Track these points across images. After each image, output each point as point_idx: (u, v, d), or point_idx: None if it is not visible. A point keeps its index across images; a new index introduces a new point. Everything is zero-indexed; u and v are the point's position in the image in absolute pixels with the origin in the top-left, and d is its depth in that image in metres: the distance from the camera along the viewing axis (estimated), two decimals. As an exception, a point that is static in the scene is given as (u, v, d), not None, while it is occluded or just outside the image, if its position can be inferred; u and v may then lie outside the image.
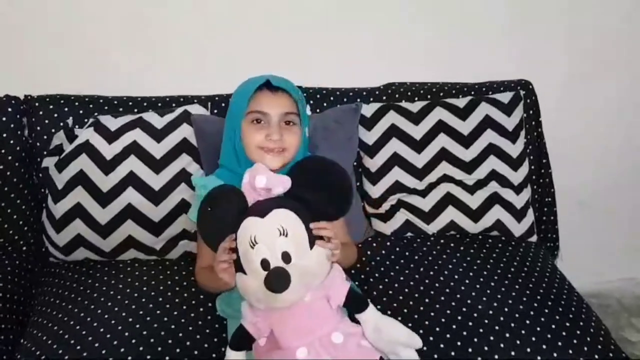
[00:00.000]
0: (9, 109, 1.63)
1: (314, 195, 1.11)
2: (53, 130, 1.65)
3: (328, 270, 1.13)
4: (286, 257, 1.05)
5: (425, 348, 1.31)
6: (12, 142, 1.62)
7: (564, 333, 1.36)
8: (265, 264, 1.05)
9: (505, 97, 1.77)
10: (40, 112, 1.65)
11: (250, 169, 1.12)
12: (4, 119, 1.61)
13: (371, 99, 1.78)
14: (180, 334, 1.31)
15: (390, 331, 1.13)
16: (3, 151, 1.61)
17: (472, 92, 1.82)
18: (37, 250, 1.65)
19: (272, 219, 1.06)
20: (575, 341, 1.35)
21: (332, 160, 1.13)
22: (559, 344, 1.34)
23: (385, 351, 1.13)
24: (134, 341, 1.29)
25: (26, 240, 1.64)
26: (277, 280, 1.03)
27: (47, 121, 1.65)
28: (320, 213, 1.12)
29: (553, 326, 1.37)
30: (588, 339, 1.36)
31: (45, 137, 1.65)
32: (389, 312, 1.39)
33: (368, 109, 1.73)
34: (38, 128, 1.65)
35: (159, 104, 1.70)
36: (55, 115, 1.66)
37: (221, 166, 1.35)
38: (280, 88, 1.24)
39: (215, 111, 1.70)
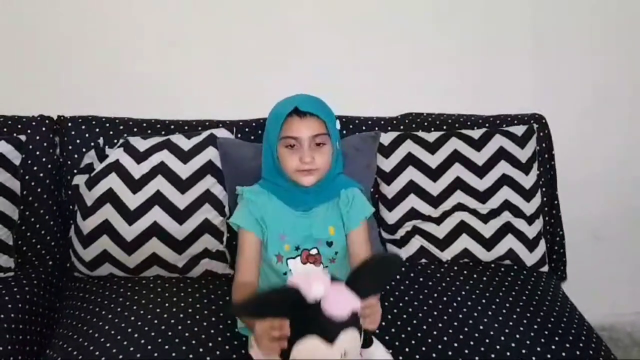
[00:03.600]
0: (43, 128, 1.71)
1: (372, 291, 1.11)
2: (84, 150, 1.72)
3: None
4: None
5: (437, 371, 1.36)
6: (44, 159, 1.70)
7: (573, 361, 1.39)
8: None
9: (519, 130, 1.82)
10: (72, 132, 1.73)
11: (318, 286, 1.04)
12: (37, 137, 1.69)
13: (389, 128, 1.84)
14: (201, 349, 1.35)
15: None
16: (35, 168, 1.68)
17: (487, 124, 1.87)
18: (63, 265, 1.71)
19: (339, 346, 1.01)
20: (584, 370, 1.38)
21: (388, 257, 1.22)
22: (569, 371, 1.37)
23: None
24: (156, 354, 1.33)
25: (52, 255, 1.71)
26: None
27: (78, 141, 1.73)
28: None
29: (563, 354, 1.40)
30: (597, 367, 1.39)
31: (75, 156, 1.72)
32: (402, 336, 1.43)
33: (386, 138, 1.79)
34: (69, 147, 1.72)
35: (186, 127, 1.77)
36: (87, 135, 1.73)
37: (264, 179, 1.43)
38: (309, 113, 1.31)
39: (240, 135, 1.77)
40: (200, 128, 1.76)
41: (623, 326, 2.31)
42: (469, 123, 1.88)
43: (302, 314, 1.02)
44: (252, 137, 1.77)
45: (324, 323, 1.01)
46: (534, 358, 1.38)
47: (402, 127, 1.85)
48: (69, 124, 1.74)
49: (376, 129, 1.83)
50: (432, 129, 1.85)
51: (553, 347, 1.41)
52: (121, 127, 1.75)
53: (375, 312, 1.11)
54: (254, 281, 1.35)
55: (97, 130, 1.74)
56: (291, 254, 1.37)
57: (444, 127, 1.86)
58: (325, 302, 1.02)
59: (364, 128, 1.83)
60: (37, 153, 1.69)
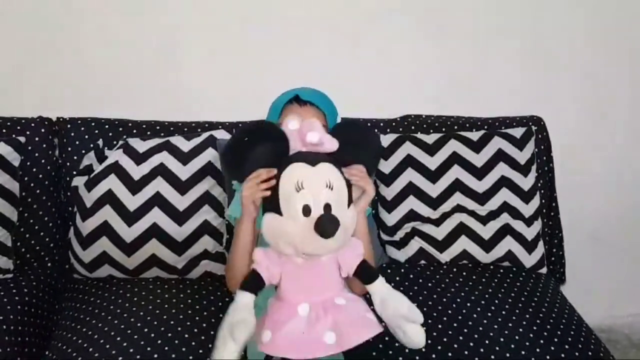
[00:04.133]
0: (42, 130, 1.71)
1: (352, 155, 1.16)
2: (83, 151, 1.72)
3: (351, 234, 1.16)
4: (327, 208, 1.07)
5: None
6: (43, 161, 1.70)
7: (572, 362, 1.40)
8: (306, 210, 1.06)
9: (517, 132, 1.83)
10: (72, 134, 1.73)
11: (305, 122, 1.14)
12: (36, 139, 1.69)
13: (388, 130, 1.85)
14: (201, 351, 1.36)
15: (394, 304, 1.13)
16: (34, 170, 1.68)
17: (486, 127, 1.88)
18: (61, 267, 1.71)
19: (321, 170, 1.09)
20: (583, 369, 1.38)
21: (367, 126, 1.23)
22: (568, 371, 1.38)
23: (392, 325, 1.13)
24: (155, 356, 1.33)
25: (51, 257, 1.70)
26: (329, 224, 1.04)
27: (77, 142, 1.73)
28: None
29: (562, 355, 1.41)
30: (596, 367, 1.40)
31: (75, 157, 1.72)
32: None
33: (385, 140, 1.80)
34: (69, 149, 1.73)
35: (185, 129, 1.77)
36: (86, 137, 1.73)
37: None
38: (309, 102, 1.31)
39: (239, 137, 1.77)
40: (199, 130, 1.76)
41: (621, 328, 2.32)
42: (467, 125, 1.89)
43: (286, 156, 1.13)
44: (252, 139, 1.77)
45: (304, 154, 1.11)
46: (533, 359, 1.39)
47: (401, 129, 1.86)
48: (68, 126, 1.74)
49: (375, 130, 1.83)
50: (431, 131, 1.86)
51: (552, 348, 1.42)
52: (120, 129, 1.76)
53: (361, 171, 1.15)
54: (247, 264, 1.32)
55: (97, 131, 1.74)
56: None
57: (443, 129, 1.87)
58: (303, 128, 1.12)
59: (363, 130, 1.83)
60: (36, 154, 1.69)
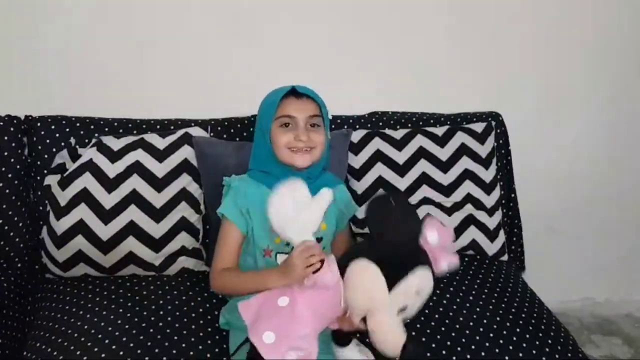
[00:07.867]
0: (11, 129, 1.67)
1: None
2: (54, 150, 1.70)
3: None
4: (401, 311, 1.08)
5: (413, 357, 1.43)
6: (12, 160, 1.66)
7: (537, 342, 1.48)
8: (402, 310, 1.07)
9: (478, 127, 1.92)
10: (42, 132, 1.70)
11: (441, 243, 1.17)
12: (5, 137, 1.66)
13: (357, 126, 1.91)
14: (184, 345, 1.37)
15: None
16: (3, 169, 1.65)
17: (449, 122, 1.96)
18: (32, 267, 1.68)
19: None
20: (547, 350, 1.47)
21: None
22: (534, 352, 1.46)
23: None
24: (139, 351, 1.34)
25: (21, 258, 1.67)
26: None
27: (47, 141, 1.70)
28: None
29: (527, 336, 1.49)
30: (559, 347, 1.49)
31: (45, 156, 1.70)
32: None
33: (355, 135, 1.85)
34: (39, 147, 1.70)
35: (158, 127, 1.78)
36: (56, 135, 1.71)
37: (252, 170, 1.39)
38: (305, 94, 1.33)
39: (212, 134, 1.79)
40: (172, 127, 1.77)
41: (572, 312, 2.45)
42: (432, 121, 1.96)
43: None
44: (225, 136, 1.80)
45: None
46: (501, 341, 1.47)
47: (369, 125, 1.92)
48: (38, 124, 1.71)
49: (345, 127, 1.89)
50: (398, 127, 1.92)
51: (517, 330, 1.51)
52: (92, 127, 1.74)
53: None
54: (235, 268, 1.36)
55: (67, 130, 1.72)
56: (282, 249, 1.34)
57: (409, 125, 1.93)
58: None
59: (333, 126, 1.88)
60: (5, 153, 1.65)
